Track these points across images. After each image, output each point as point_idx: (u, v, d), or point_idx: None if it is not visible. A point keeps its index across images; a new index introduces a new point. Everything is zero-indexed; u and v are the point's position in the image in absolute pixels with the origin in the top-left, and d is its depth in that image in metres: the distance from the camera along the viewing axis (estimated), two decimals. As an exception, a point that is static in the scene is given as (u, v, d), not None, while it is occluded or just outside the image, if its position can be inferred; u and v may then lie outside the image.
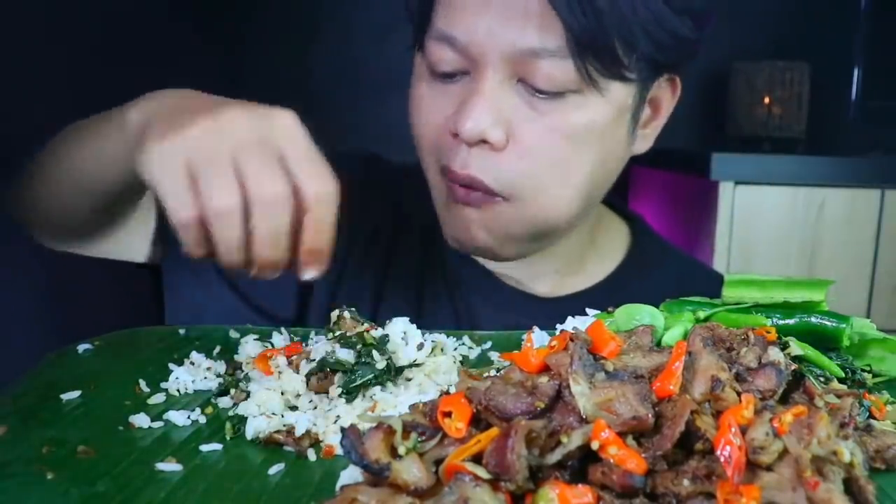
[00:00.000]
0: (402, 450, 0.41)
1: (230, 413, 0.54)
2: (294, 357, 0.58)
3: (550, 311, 0.81)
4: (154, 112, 0.62)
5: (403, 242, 0.94)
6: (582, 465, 0.40)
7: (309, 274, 0.61)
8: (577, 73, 0.73)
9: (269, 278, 0.61)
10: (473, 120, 0.73)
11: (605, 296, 0.82)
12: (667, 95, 0.85)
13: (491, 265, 0.91)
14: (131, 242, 0.88)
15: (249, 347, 0.63)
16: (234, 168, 0.56)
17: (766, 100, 1.94)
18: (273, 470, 0.46)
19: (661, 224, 2.00)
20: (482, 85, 0.74)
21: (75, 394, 0.56)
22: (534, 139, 0.75)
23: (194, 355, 0.63)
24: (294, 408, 0.54)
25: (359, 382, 0.54)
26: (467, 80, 0.77)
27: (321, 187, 0.58)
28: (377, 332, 0.59)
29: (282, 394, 0.55)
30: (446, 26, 0.75)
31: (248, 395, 0.56)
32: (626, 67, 0.74)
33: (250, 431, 0.50)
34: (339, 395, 0.54)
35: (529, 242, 0.83)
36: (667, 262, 0.97)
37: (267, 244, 0.57)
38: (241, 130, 0.57)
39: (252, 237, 0.57)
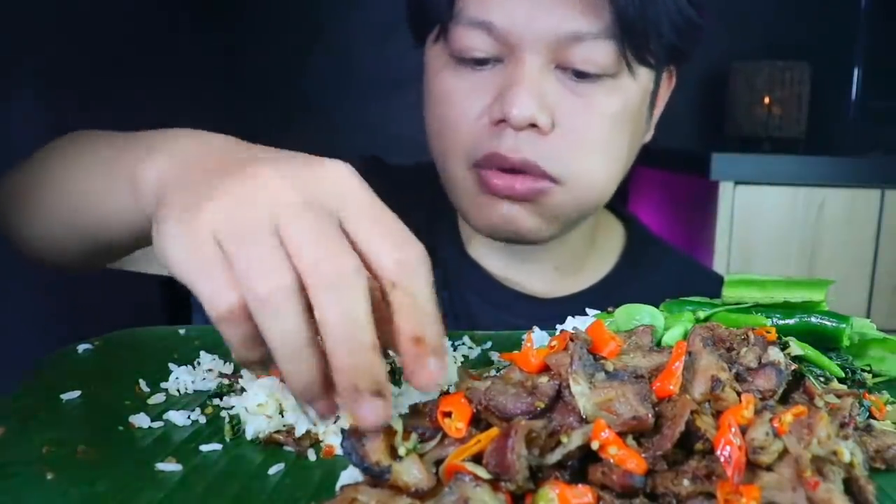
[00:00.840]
0: (402, 451, 0.41)
1: (230, 412, 0.54)
2: None
3: (548, 312, 0.81)
4: (171, 173, 0.50)
5: None
6: (582, 465, 0.40)
7: (424, 377, 0.42)
8: (615, 55, 0.75)
9: (370, 421, 0.41)
10: (519, 107, 0.74)
11: (602, 296, 0.83)
12: (665, 85, 0.88)
13: (490, 267, 0.91)
14: (153, 259, 0.83)
15: None
16: (277, 241, 0.42)
17: (766, 100, 1.93)
18: (273, 470, 0.46)
19: (661, 224, 2.00)
20: (522, 71, 0.75)
21: (75, 394, 0.56)
22: (578, 122, 0.77)
23: (203, 355, 0.63)
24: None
25: None
26: (500, 66, 0.77)
27: (406, 254, 0.43)
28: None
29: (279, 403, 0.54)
30: (481, 12, 0.75)
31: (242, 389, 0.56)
32: (652, 52, 0.77)
33: (250, 431, 0.50)
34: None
35: (572, 223, 0.85)
36: (663, 261, 0.98)
37: (344, 337, 0.40)
38: (280, 193, 0.43)
39: (322, 333, 0.41)
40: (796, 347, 0.54)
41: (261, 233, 0.42)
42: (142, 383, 0.58)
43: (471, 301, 0.90)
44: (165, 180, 0.50)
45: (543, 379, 0.45)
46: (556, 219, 0.82)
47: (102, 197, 0.61)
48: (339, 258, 0.41)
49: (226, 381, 0.59)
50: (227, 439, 0.50)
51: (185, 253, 0.43)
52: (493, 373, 0.51)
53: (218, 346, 0.66)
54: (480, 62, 0.77)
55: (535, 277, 0.91)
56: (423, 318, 0.42)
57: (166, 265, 0.44)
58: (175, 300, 0.89)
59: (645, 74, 0.79)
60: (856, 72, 1.99)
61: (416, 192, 0.91)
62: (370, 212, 0.44)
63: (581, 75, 0.76)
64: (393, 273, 0.42)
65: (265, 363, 0.44)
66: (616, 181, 0.84)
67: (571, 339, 0.47)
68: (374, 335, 0.41)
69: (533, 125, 0.75)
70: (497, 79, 0.77)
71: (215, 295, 0.42)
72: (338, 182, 0.44)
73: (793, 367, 0.49)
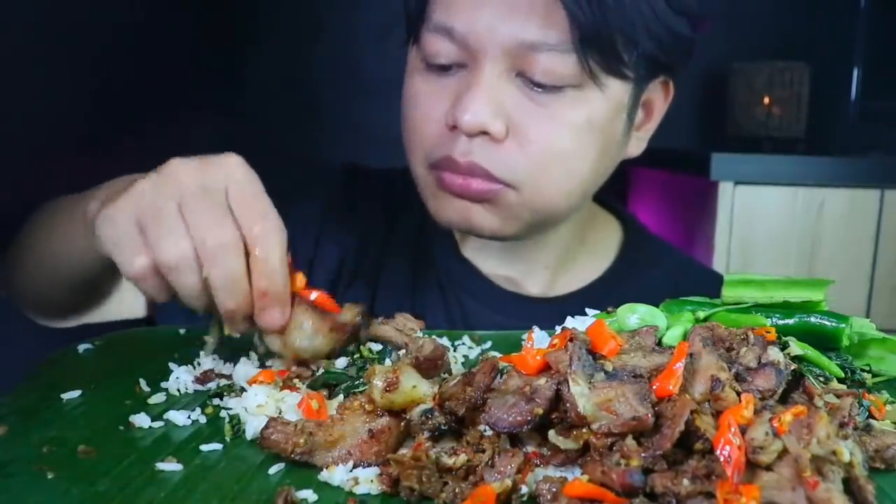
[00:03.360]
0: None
1: (230, 412, 0.54)
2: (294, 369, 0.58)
3: (544, 312, 0.81)
4: (107, 193, 0.63)
5: (393, 247, 0.94)
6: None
7: (268, 319, 0.58)
8: (577, 67, 0.73)
9: (240, 329, 0.60)
10: (472, 112, 0.73)
11: (598, 295, 0.82)
12: (659, 98, 0.86)
13: (483, 267, 0.91)
14: (125, 302, 0.89)
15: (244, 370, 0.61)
16: (180, 217, 0.56)
17: (766, 100, 1.94)
18: (273, 470, 0.46)
19: (661, 224, 2.00)
20: (480, 77, 0.74)
21: (75, 393, 0.56)
22: (534, 131, 0.76)
23: (203, 355, 0.63)
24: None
25: (361, 390, 0.54)
26: (464, 72, 0.77)
27: (264, 226, 0.57)
28: (376, 346, 0.59)
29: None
30: (445, 18, 0.75)
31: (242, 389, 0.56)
32: (625, 64, 0.75)
33: (250, 431, 0.50)
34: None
35: (531, 225, 0.83)
36: (660, 260, 0.97)
37: (226, 292, 0.56)
38: (184, 179, 0.57)
39: (210, 286, 0.57)
40: (796, 347, 0.54)
41: (167, 210, 0.56)
42: (142, 383, 0.58)
43: (466, 302, 0.90)
44: (103, 199, 0.62)
45: (542, 381, 0.45)
46: (513, 219, 0.81)
47: (67, 237, 0.74)
48: (221, 232, 0.56)
49: (225, 382, 0.59)
50: (227, 439, 0.50)
51: (108, 230, 0.57)
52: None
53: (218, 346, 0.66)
54: (445, 67, 0.77)
55: (529, 277, 0.91)
56: (271, 276, 0.57)
57: (101, 251, 0.58)
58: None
59: (617, 87, 0.77)
60: (855, 72, 1.99)
61: (407, 195, 0.91)
62: (249, 193, 0.58)
63: (541, 84, 0.75)
64: (252, 241, 0.57)
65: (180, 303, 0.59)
66: (580, 192, 0.82)
67: (571, 340, 0.47)
68: (247, 284, 0.57)
69: (485, 132, 0.75)
70: (459, 84, 0.77)
71: (128, 259, 0.56)
72: (228, 170, 0.59)
73: (792, 367, 0.49)
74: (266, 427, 0.47)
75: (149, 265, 0.56)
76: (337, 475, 0.45)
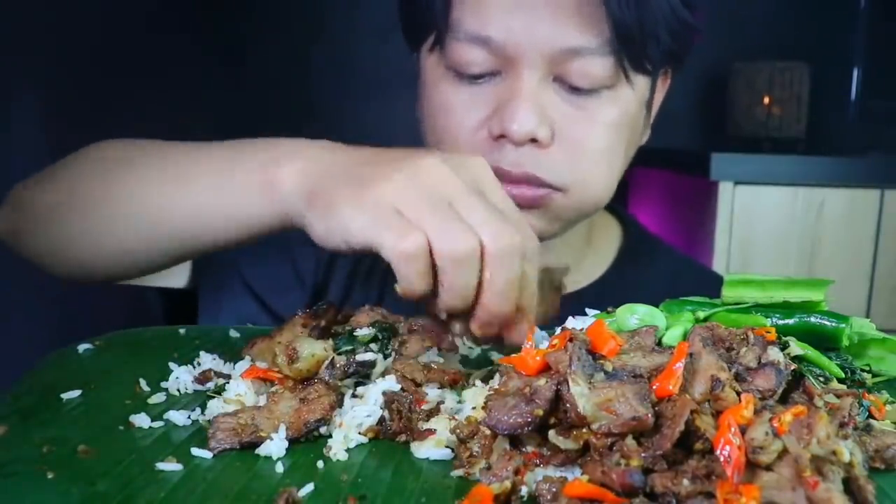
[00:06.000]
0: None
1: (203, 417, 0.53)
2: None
3: None
4: (319, 176, 0.58)
5: None
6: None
7: (518, 335, 0.56)
8: (613, 69, 0.75)
9: (490, 333, 0.56)
10: (519, 122, 0.74)
11: (598, 295, 0.83)
12: (660, 87, 0.88)
13: None
14: (171, 271, 0.84)
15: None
16: (456, 213, 0.53)
17: (766, 100, 1.94)
18: (273, 469, 0.46)
19: (661, 224, 2.00)
20: (522, 85, 0.75)
21: (75, 393, 0.56)
22: (577, 134, 0.77)
23: (203, 355, 0.63)
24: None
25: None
26: (498, 80, 0.77)
27: (535, 240, 0.57)
28: (363, 331, 0.59)
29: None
30: (478, 27, 0.75)
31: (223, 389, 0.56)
32: (649, 59, 0.77)
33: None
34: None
35: (573, 223, 0.86)
36: (661, 261, 0.98)
37: (505, 296, 0.54)
38: (444, 176, 0.55)
39: (484, 290, 0.54)
40: (796, 347, 0.54)
41: (441, 205, 0.53)
42: (142, 383, 0.58)
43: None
44: (310, 180, 0.58)
45: (542, 381, 0.45)
46: (557, 220, 0.82)
47: (216, 204, 0.64)
48: (514, 235, 0.54)
49: (225, 381, 0.59)
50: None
51: (368, 219, 0.53)
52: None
53: (218, 346, 0.66)
54: (478, 75, 0.77)
55: None
56: (532, 293, 0.56)
57: (341, 239, 0.55)
58: (175, 309, 0.90)
59: (642, 82, 0.79)
60: (855, 72, 1.99)
61: None
62: (507, 202, 0.58)
63: (579, 88, 0.76)
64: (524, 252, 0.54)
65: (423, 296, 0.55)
66: (615, 184, 0.84)
67: (570, 340, 0.47)
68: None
69: (533, 139, 0.75)
70: (495, 92, 0.77)
71: (402, 238, 0.52)
72: (481, 172, 0.57)
73: (792, 367, 0.49)
74: (212, 429, 0.49)
75: (423, 245, 0.52)
76: (273, 446, 0.48)
